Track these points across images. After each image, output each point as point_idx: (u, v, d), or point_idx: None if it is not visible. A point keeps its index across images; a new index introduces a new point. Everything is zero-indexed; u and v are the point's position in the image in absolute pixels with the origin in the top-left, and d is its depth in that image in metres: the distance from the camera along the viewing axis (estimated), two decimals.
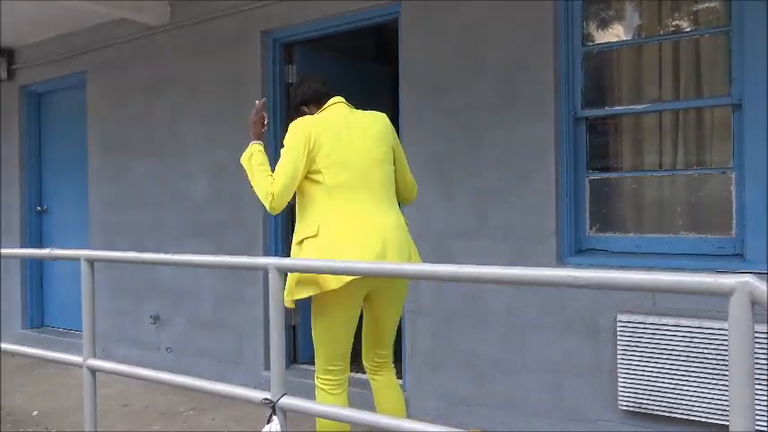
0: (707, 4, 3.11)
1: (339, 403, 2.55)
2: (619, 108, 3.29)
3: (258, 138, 2.71)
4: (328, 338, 2.55)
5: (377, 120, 2.63)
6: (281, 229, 4.46)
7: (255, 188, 2.55)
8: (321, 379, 2.60)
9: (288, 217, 4.52)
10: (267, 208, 2.50)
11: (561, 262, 3.26)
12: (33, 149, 6.31)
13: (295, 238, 2.55)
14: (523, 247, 3.36)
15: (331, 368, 2.58)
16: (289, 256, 4.42)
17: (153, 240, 5.06)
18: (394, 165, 2.65)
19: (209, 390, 2.45)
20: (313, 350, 2.65)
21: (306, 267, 2.27)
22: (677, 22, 3.19)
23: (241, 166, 2.66)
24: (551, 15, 3.30)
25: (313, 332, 2.58)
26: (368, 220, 2.48)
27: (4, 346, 3.35)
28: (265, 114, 2.76)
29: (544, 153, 3.31)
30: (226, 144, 4.61)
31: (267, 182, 2.50)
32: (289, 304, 2.48)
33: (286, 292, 2.47)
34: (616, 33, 3.34)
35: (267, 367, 4.30)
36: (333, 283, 2.38)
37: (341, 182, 2.48)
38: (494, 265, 3.28)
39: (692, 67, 3.16)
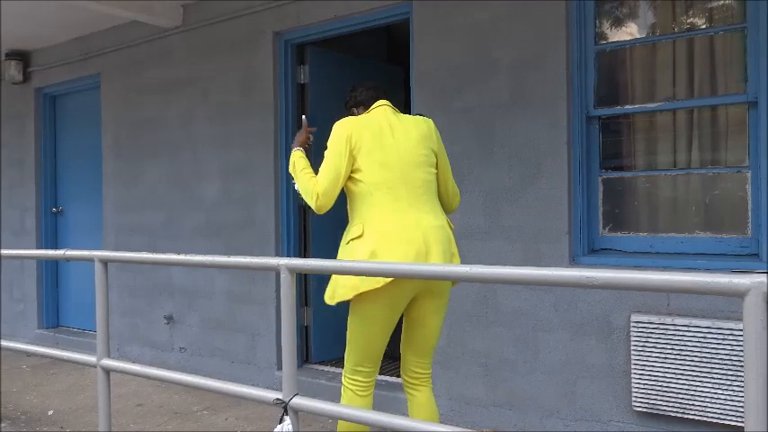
0: (721, 2, 3.08)
1: (364, 406, 2.55)
2: (632, 107, 3.26)
3: (301, 146, 2.81)
4: (363, 339, 2.54)
5: (420, 123, 2.65)
6: (293, 229, 4.47)
7: (302, 191, 2.60)
8: (349, 379, 2.60)
9: (300, 218, 4.54)
10: (314, 208, 2.53)
11: (574, 262, 3.24)
12: (49, 151, 6.38)
13: (344, 238, 2.56)
14: (536, 247, 3.34)
15: (361, 369, 2.57)
16: (300, 256, 4.45)
17: (166, 241, 5.09)
18: (436, 169, 2.65)
19: (222, 390, 2.46)
20: (344, 350, 2.65)
21: (318, 267, 2.27)
22: (691, 19, 3.16)
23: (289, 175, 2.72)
24: (563, 14, 3.29)
25: (348, 332, 2.58)
26: (409, 219, 2.47)
27: (20, 345, 3.38)
28: (310, 129, 2.93)
29: (556, 152, 3.29)
30: (238, 145, 4.64)
31: (311, 183, 2.54)
32: (331, 302, 2.53)
33: (329, 294, 2.52)
34: (629, 32, 3.32)
35: (280, 367, 4.32)
36: (372, 283, 2.38)
37: (381, 181, 2.48)
38: (506, 265, 3.28)
39: (707, 64, 3.13)
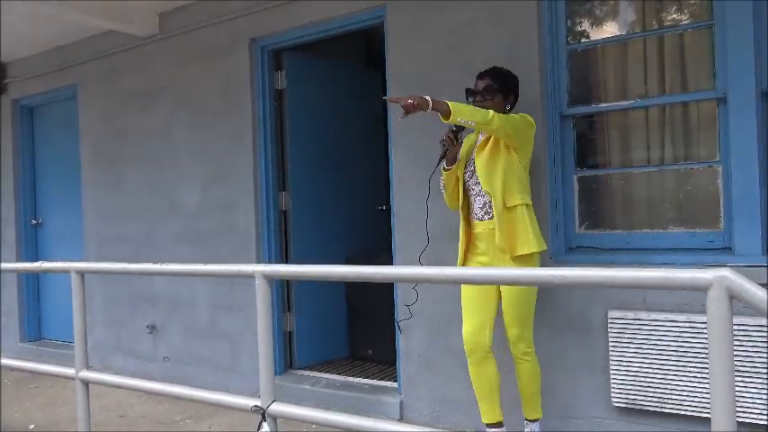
0: (689, 0, 3.12)
1: None
2: (605, 105, 3.29)
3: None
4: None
5: None
6: (274, 235, 4.46)
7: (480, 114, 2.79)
8: (533, 346, 3.04)
9: (281, 224, 4.53)
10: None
11: (552, 260, 3.26)
12: (27, 163, 6.33)
13: (527, 201, 2.99)
14: None
15: None
16: (282, 262, 4.45)
17: (148, 250, 5.06)
18: None
19: (201, 398, 2.46)
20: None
21: (293, 273, 2.27)
22: (661, 17, 3.20)
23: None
24: (535, 15, 3.31)
25: (531, 307, 3.00)
26: None
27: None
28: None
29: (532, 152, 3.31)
30: (217, 152, 4.63)
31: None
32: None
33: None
34: (600, 30, 3.35)
35: None
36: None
37: None
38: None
39: (677, 62, 3.17)
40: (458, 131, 2.98)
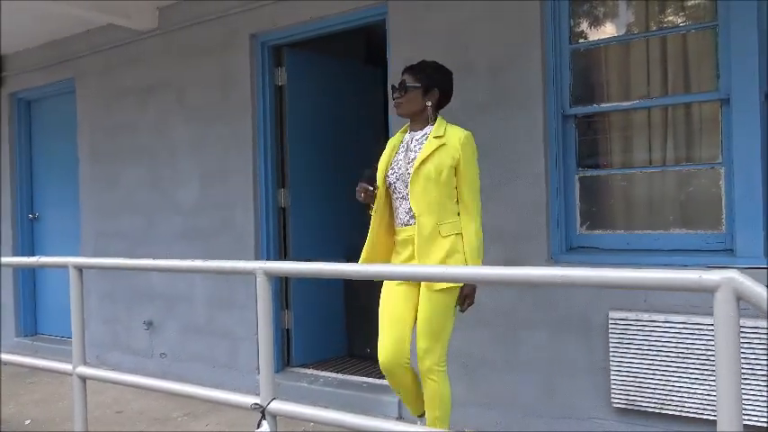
0: (693, 1, 3.11)
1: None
2: (607, 105, 3.28)
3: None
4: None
5: None
6: (272, 232, 4.45)
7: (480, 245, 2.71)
8: (445, 366, 2.72)
9: (279, 221, 4.51)
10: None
11: (552, 260, 3.25)
12: (24, 157, 6.29)
13: (454, 232, 2.69)
14: (514, 246, 3.35)
15: None
16: (280, 259, 4.43)
17: (145, 246, 5.04)
18: None
19: (199, 395, 2.44)
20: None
21: (295, 271, 2.25)
22: (664, 18, 3.19)
23: None
24: (538, 14, 3.30)
25: (447, 324, 2.70)
26: None
27: None
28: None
29: (533, 152, 3.31)
30: (216, 148, 4.60)
31: (480, 237, 2.71)
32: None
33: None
34: (603, 31, 3.34)
35: None
36: None
37: None
38: (485, 264, 3.28)
39: (680, 62, 3.16)
40: (372, 180, 2.76)
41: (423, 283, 2.66)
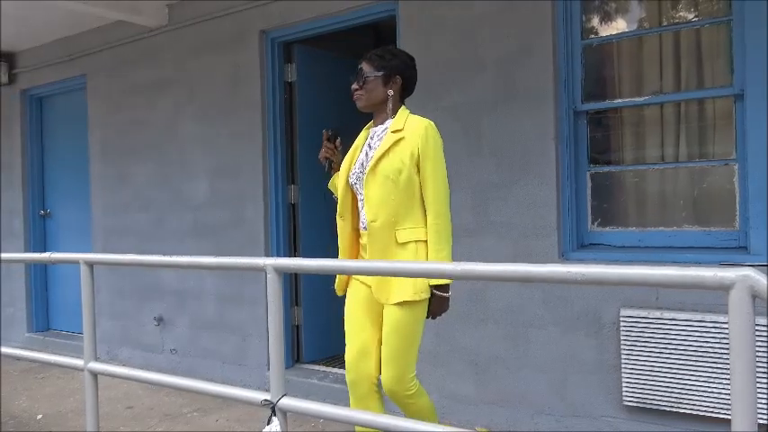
0: None
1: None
2: (619, 101, 3.26)
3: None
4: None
5: None
6: (282, 228, 4.45)
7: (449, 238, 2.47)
8: (415, 379, 2.48)
9: (289, 217, 4.51)
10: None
11: (563, 258, 3.24)
12: (36, 153, 6.33)
13: (413, 238, 2.45)
14: (525, 243, 3.34)
15: None
16: (290, 255, 4.43)
17: (155, 242, 5.06)
18: None
19: (210, 391, 2.44)
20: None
21: (305, 267, 2.25)
22: (677, 12, 3.16)
23: None
24: (549, 9, 3.28)
25: (416, 336, 2.45)
26: None
27: (7, 350, 3.34)
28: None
29: (545, 148, 3.29)
30: (226, 144, 4.61)
31: (450, 228, 2.47)
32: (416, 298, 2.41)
33: (414, 292, 2.39)
34: (616, 26, 3.31)
35: None
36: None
37: None
38: (495, 261, 3.26)
39: (693, 57, 3.12)
40: (336, 136, 2.63)
41: (384, 300, 2.43)
